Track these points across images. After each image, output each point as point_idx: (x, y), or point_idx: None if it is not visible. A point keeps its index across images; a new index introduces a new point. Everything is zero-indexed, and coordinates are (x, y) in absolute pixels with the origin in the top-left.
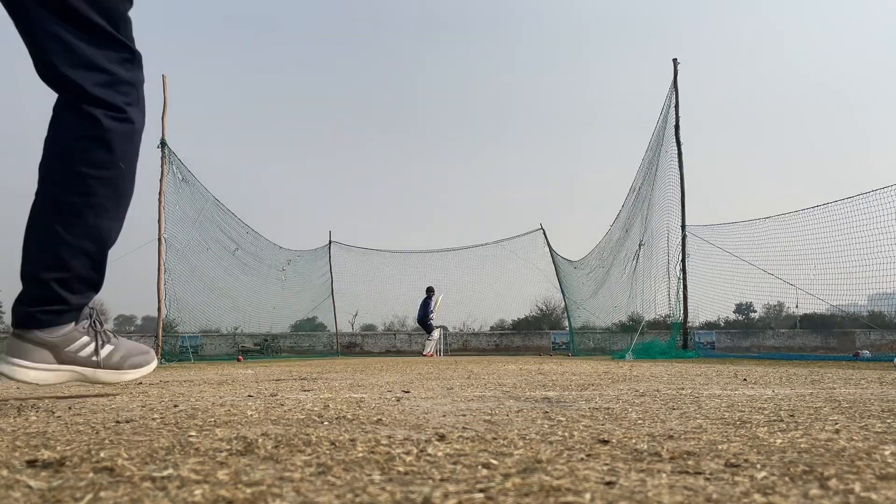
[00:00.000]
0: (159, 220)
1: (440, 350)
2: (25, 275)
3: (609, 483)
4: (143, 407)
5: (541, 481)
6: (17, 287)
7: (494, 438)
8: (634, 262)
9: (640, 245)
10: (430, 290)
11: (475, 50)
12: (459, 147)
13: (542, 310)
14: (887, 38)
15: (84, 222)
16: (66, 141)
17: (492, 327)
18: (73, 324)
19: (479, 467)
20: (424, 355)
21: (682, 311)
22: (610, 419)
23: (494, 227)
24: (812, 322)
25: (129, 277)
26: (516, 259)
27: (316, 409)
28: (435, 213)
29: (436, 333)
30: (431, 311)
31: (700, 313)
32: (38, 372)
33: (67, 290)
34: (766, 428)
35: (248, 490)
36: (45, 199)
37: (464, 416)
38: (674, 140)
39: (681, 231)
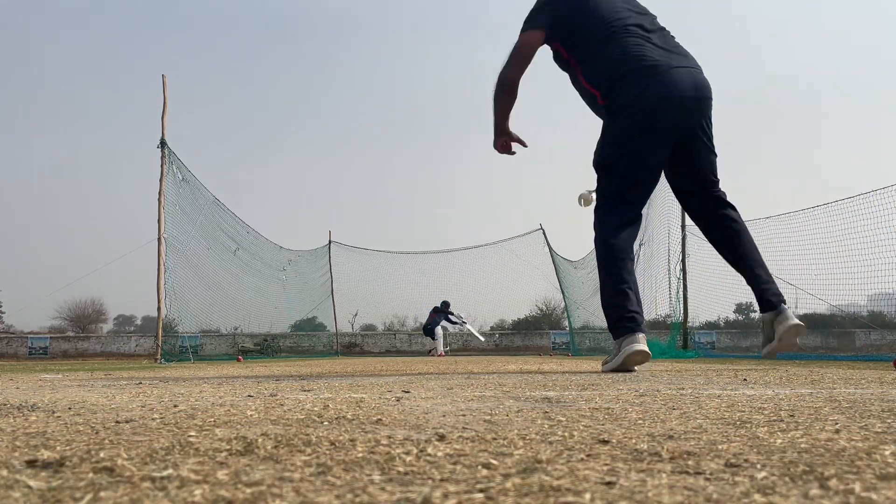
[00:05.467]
0: (159, 220)
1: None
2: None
3: (609, 483)
4: (142, 407)
5: (541, 481)
6: (17, 287)
7: (494, 438)
8: (634, 261)
9: (639, 245)
10: (445, 305)
11: (472, 48)
12: (459, 147)
13: (542, 310)
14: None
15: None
16: (741, 220)
17: (492, 327)
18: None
19: (479, 467)
20: (439, 356)
21: (682, 311)
22: (610, 419)
23: (494, 227)
24: (812, 322)
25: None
26: (516, 259)
27: (316, 409)
28: (435, 213)
29: (439, 330)
30: (445, 328)
31: (700, 313)
32: None
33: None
34: (766, 428)
35: (248, 490)
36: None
37: (464, 416)
38: None
39: (681, 231)
